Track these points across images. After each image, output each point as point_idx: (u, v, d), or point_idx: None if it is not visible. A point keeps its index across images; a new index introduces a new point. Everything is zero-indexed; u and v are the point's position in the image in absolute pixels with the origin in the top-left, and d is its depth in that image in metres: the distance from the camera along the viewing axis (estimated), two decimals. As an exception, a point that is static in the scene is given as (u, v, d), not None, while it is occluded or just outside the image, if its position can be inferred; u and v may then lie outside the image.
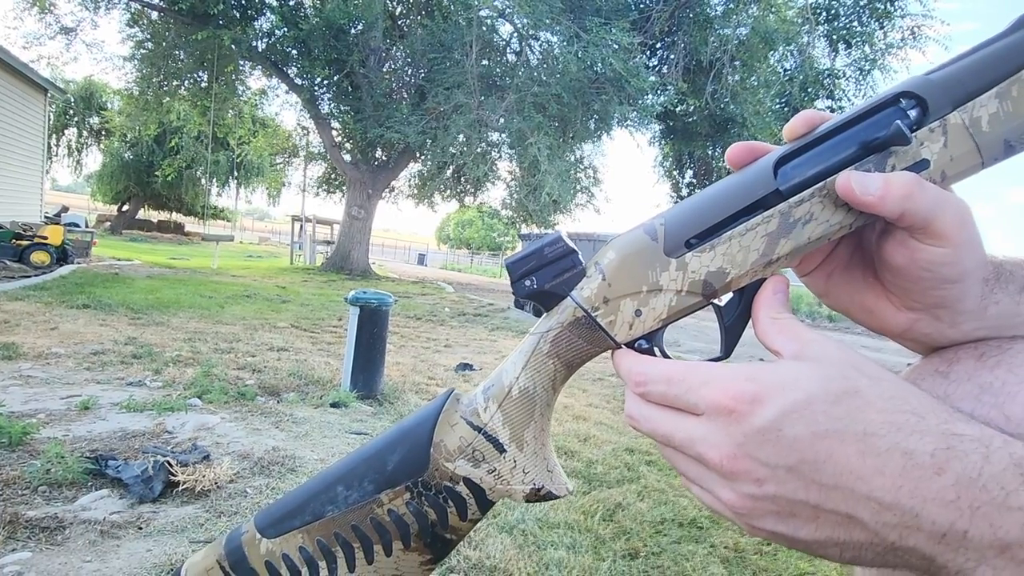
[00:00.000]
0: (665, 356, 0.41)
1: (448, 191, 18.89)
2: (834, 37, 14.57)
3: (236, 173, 30.79)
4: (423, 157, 16.22)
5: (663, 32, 14.00)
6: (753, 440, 0.33)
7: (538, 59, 14.10)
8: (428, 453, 0.43)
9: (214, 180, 30.78)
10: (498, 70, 14.03)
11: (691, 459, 0.36)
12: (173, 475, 2.31)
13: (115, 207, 32.37)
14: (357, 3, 12.77)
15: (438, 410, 0.45)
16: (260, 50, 14.74)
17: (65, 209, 13.35)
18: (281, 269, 16.67)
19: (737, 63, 13.67)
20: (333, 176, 20.34)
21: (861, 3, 14.25)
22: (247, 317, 6.94)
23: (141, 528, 2.03)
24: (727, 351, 0.41)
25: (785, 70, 15.19)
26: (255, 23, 14.40)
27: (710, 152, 17.03)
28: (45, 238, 9.63)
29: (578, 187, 16.65)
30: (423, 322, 8.53)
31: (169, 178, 23.12)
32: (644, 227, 0.41)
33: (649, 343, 0.41)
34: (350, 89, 15.52)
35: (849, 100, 14.71)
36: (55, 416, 2.96)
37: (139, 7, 14.15)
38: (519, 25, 13.68)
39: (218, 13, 13.04)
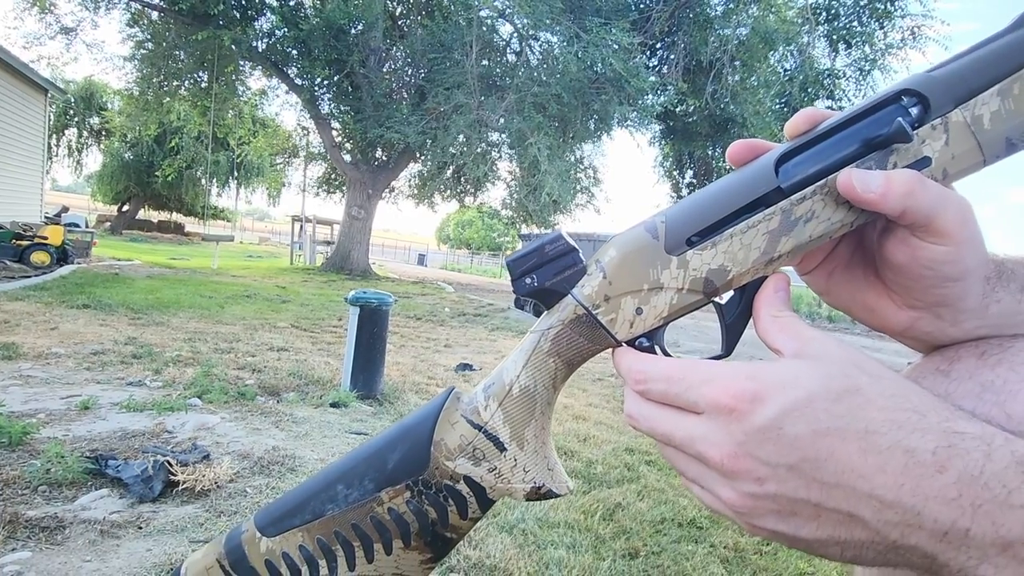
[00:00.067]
0: (666, 354, 0.41)
1: (448, 191, 18.89)
2: (834, 37, 14.57)
3: (236, 173, 30.80)
4: (423, 157, 16.22)
5: (663, 32, 14.00)
6: (754, 439, 0.33)
7: (538, 59, 14.11)
8: (429, 451, 0.43)
9: (214, 180, 30.80)
10: (498, 70, 14.04)
11: (691, 458, 0.36)
12: (173, 475, 2.31)
13: (115, 207, 32.38)
14: (357, 3, 12.78)
15: (439, 408, 0.45)
16: (260, 50, 14.75)
17: (65, 209, 13.34)
18: (281, 269, 16.67)
19: (737, 63, 13.68)
20: (333, 176, 20.35)
21: (861, 3, 14.25)
22: (247, 317, 6.94)
23: (141, 528, 2.03)
24: (728, 349, 0.40)
25: (785, 70, 15.19)
26: (255, 23, 14.41)
27: (710, 152, 17.03)
28: (45, 238, 9.63)
29: (578, 187, 16.66)
30: (423, 322, 8.53)
31: (169, 178, 23.13)
32: (645, 225, 0.40)
33: (650, 341, 0.41)
34: (350, 89, 15.52)
35: (849, 100, 14.71)
36: (55, 416, 2.95)
37: (139, 7, 14.16)
38: (519, 25, 13.68)
39: (218, 13, 13.05)
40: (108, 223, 30.31)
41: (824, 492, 0.32)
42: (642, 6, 14.08)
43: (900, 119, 0.35)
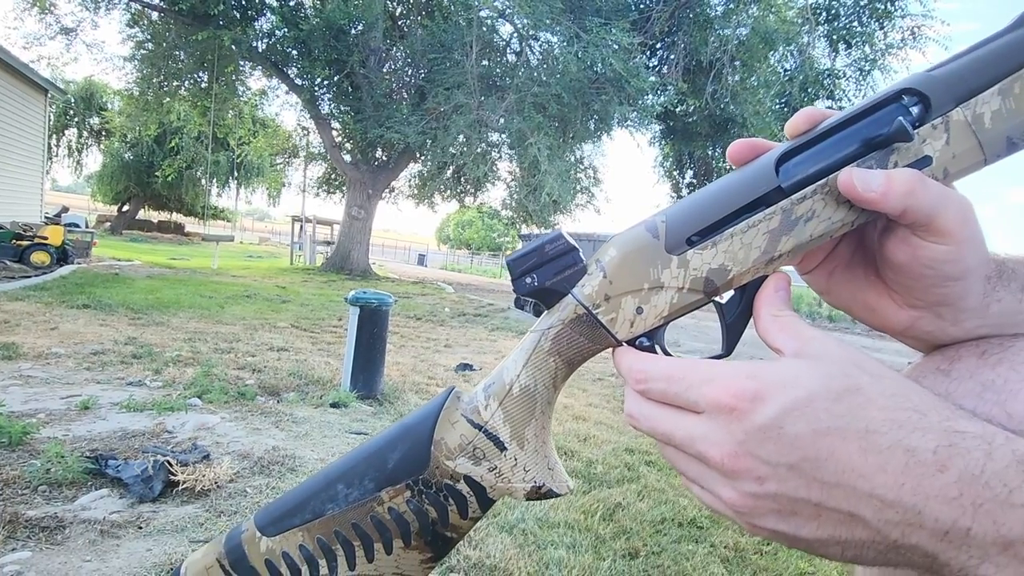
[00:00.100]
0: (666, 354, 0.41)
1: (448, 191, 18.89)
2: (834, 37, 14.58)
3: (236, 173, 30.80)
4: (423, 157, 16.22)
5: (663, 32, 14.00)
6: (754, 438, 0.32)
7: (538, 59, 14.11)
8: (429, 451, 0.43)
9: (214, 180, 30.80)
10: (498, 70, 14.04)
11: (691, 458, 0.36)
12: (173, 475, 2.31)
13: (115, 207, 32.38)
14: (357, 3, 12.78)
15: (439, 408, 0.45)
16: (260, 50, 14.75)
17: (65, 209, 13.35)
18: (281, 269, 16.67)
19: (737, 63, 13.68)
20: (333, 176, 20.35)
21: (861, 3, 14.25)
22: (247, 317, 6.94)
23: (141, 528, 2.03)
24: (728, 349, 0.40)
25: (785, 70, 15.20)
26: (255, 23, 14.42)
27: (710, 152, 17.04)
28: (45, 238, 9.63)
29: (578, 187, 16.66)
30: (423, 322, 8.53)
31: (169, 178, 23.13)
32: (645, 224, 0.40)
33: (650, 341, 0.41)
34: (350, 89, 15.52)
35: (849, 100, 14.72)
36: (55, 416, 2.95)
37: (139, 7, 14.16)
38: (519, 25, 13.69)
39: (218, 14, 13.05)
40: (108, 223, 30.32)
41: (825, 491, 0.32)
42: (642, 6, 14.08)
43: (901, 118, 0.35)
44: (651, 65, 14.83)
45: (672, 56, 14.36)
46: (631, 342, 0.41)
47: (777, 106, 15.13)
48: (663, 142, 18.00)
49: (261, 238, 51.19)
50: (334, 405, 3.67)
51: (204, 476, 2.33)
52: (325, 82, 15.62)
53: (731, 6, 13.53)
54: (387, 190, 18.46)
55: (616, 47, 11.99)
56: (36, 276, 8.43)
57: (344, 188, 18.68)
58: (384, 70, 15.49)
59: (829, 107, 0.41)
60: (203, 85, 16.07)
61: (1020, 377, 0.35)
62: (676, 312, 0.40)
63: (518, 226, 18.51)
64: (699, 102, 14.04)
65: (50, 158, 22.78)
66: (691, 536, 2.50)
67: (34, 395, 3.25)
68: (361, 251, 17.28)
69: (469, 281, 22.97)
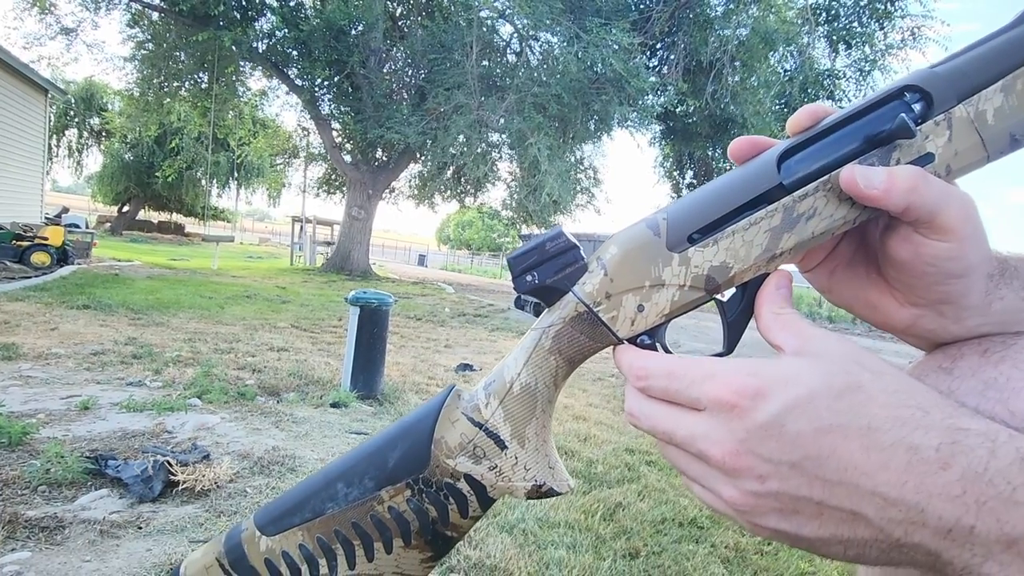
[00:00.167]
0: (667, 352, 0.40)
1: (448, 192, 18.90)
2: (834, 38, 14.58)
3: (236, 174, 30.80)
4: (423, 158, 16.23)
5: (663, 32, 14.00)
6: (755, 436, 0.32)
7: (538, 60, 14.11)
8: (429, 450, 0.43)
9: (214, 181, 30.78)
10: (498, 71, 14.04)
11: (692, 457, 0.36)
12: (173, 475, 2.31)
13: (115, 208, 32.38)
14: (357, 4, 12.78)
15: (439, 407, 0.44)
16: (261, 51, 14.75)
17: (65, 210, 13.37)
18: (281, 270, 16.67)
19: (737, 63, 13.68)
20: (333, 177, 20.35)
21: (861, 4, 14.26)
22: (247, 317, 6.94)
23: (141, 528, 2.03)
24: (730, 347, 0.40)
25: (785, 70, 15.20)
26: (256, 24, 14.42)
27: (710, 152, 17.04)
28: (45, 239, 9.64)
29: (578, 187, 16.68)
30: (423, 322, 8.53)
31: (169, 179, 23.10)
32: (646, 222, 0.40)
33: (651, 339, 0.40)
34: (350, 90, 15.52)
35: (849, 100, 14.68)
36: (55, 416, 2.95)
37: (140, 8, 14.17)
38: (519, 26, 13.69)
39: (219, 14, 13.06)
40: (108, 224, 30.31)
41: (826, 490, 0.32)
42: (642, 6, 14.09)
43: (903, 115, 0.35)
44: (651, 65, 14.83)
45: (672, 56, 14.36)
46: (632, 340, 0.40)
47: (777, 106, 15.13)
48: (663, 142, 18.01)
49: (261, 239, 51.19)
50: (334, 405, 3.67)
51: (204, 476, 2.33)
52: (325, 83, 15.62)
53: (731, 6, 13.53)
54: (387, 190, 18.47)
55: (616, 47, 11.99)
56: (36, 276, 8.43)
57: (344, 188, 18.68)
58: (384, 70, 15.49)
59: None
60: (203, 86, 16.07)
61: (1022, 375, 0.35)
62: (677, 310, 0.40)
63: (518, 226, 18.51)
64: (699, 102, 14.04)
65: (50, 158, 22.78)
66: (692, 536, 2.49)
67: (34, 395, 3.25)
68: (361, 251, 17.28)
69: (469, 281, 22.97)
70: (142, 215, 34.56)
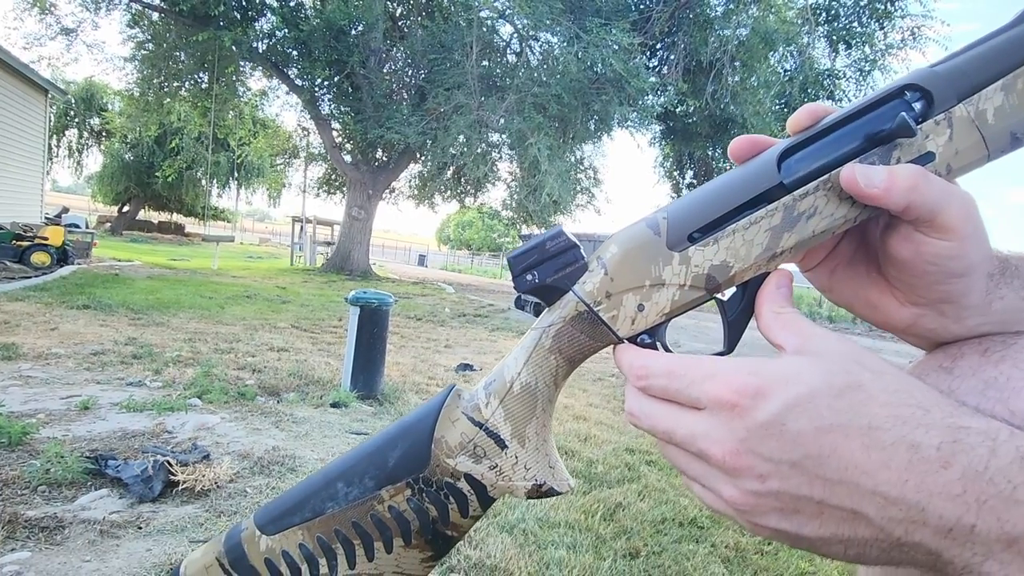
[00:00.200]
0: (668, 351, 0.40)
1: (448, 192, 18.90)
2: (834, 38, 14.58)
3: (236, 174, 30.79)
4: (423, 158, 16.23)
5: (663, 32, 14.00)
6: (756, 435, 0.32)
7: (538, 60, 14.11)
8: (429, 449, 0.43)
9: (214, 181, 30.77)
10: (498, 71, 14.04)
11: (692, 456, 0.36)
12: (173, 475, 2.31)
13: (115, 208, 32.37)
14: (357, 4, 12.79)
15: (439, 406, 0.44)
16: (261, 51, 14.75)
17: (65, 210, 13.38)
18: (281, 270, 16.67)
19: (737, 63, 13.68)
20: (333, 177, 20.35)
21: (861, 3, 14.25)
22: (247, 317, 6.94)
23: (141, 528, 2.02)
24: (730, 346, 0.40)
25: (785, 70, 15.20)
26: (256, 24, 14.42)
27: (710, 153, 17.04)
28: (45, 239, 9.64)
29: (578, 188, 16.68)
30: (423, 322, 8.52)
31: (169, 179, 23.10)
32: (647, 221, 0.40)
33: (652, 338, 0.40)
34: (350, 90, 15.52)
35: (849, 100, 14.69)
36: (55, 416, 2.95)
37: (140, 8, 14.17)
38: (519, 26, 13.69)
39: (219, 14, 13.06)
40: (108, 224, 30.30)
41: (827, 489, 0.32)
42: (642, 6, 14.09)
43: (903, 114, 0.35)
44: (651, 65, 14.83)
45: (672, 56, 14.36)
46: (632, 339, 0.40)
47: (777, 106, 15.13)
48: (663, 142, 18.01)
49: (261, 239, 51.17)
50: (334, 405, 3.67)
51: (204, 476, 2.33)
52: (325, 83, 15.63)
53: (731, 6, 13.53)
54: (387, 190, 18.47)
55: (616, 47, 11.99)
56: (36, 276, 8.42)
57: (344, 189, 18.68)
58: (384, 70, 15.49)
59: (830, 107, 0.41)
60: (203, 86, 16.08)
61: (1023, 374, 0.35)
62: (678, 309, 0.40)
63: (518, 226, 18.51)
64: (699, 102, 14.04)
65: (50, 159, 22.78)
66: (692, 536, 2.49)
67: (34, 395, 3.25)
68: (361, 251, 17.28)
69: (469, 282, 22.96)
70: (142, 215, 34.55)
